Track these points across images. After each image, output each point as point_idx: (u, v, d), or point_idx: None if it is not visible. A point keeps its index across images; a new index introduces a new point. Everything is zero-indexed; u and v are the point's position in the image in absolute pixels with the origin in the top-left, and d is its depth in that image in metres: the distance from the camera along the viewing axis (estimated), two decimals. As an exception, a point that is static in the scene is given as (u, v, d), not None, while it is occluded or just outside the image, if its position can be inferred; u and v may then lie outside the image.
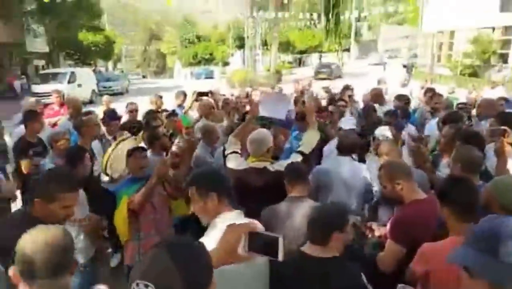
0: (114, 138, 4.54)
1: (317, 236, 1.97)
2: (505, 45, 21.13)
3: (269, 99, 4.12)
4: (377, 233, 2.60)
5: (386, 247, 2.42)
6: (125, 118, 5.97)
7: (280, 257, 1.15)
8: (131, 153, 3.27)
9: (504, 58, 20.72)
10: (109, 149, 3.92)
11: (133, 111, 6.20)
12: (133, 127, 4.73)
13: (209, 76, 38.33)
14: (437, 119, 4.85)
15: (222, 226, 1.81)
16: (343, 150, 3.48)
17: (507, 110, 4.57)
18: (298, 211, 2.55)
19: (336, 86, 9.89)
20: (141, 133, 4.37)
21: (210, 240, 1.73)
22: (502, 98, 5.75)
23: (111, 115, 5.23)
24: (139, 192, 2.98)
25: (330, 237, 1.95)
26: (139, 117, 5.95)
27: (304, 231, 2.30)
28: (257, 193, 2.95)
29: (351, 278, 1.91)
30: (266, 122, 4.01)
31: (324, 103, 6.72)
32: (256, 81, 25.61)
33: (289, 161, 3.07)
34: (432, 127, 4.77)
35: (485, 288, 0.98)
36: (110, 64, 51.41)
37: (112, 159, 3.79)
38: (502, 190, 2.28)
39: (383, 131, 3.90)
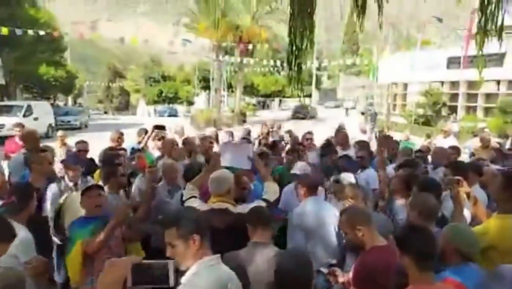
0: (75, 185, 4.12)
1: None
2: (453, 98, 22.84)
3: (230, 148, 4.11)
4: (340, 280, 2.57)
5: (349, 295, 2.40)
6: None
7: (171, 282, 1.11)
8: (85, 191, 3.13)
9: (452, 109, 22.32)
10: (61, 200, 3.68)
11: (81, 151, 5.73)
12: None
13: (173, 114, 38.29)
14: (394, 165, 5.06)
15: (204, 272, 1.75)
16: (308, 190, 3.50)
17: (459, 160, 4.85)
18: (261, 258, 2.49)
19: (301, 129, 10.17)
20: (98, 171, 4.20)
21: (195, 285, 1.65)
22: (453, 147, 6.09)
23: (73, 158, 4.70)
24: (99, 235, 2.80)
25: None
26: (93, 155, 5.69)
27: (267, 278, 2.23)
28: (218, 235, 2.86)
29: None
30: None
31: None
32: (221, 121, 25.84)
33: (252, 205, 3.03)
34: (390, 171, 4.94)
35: None
36: (70, 99, 50.17)
37: (65, 209, 3.56)
38: (459, 237, 2.36)
39: (348, 178, 3.98)
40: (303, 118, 33.07)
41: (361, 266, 2.43)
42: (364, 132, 9.69)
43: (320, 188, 3.91)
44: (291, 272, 1.82)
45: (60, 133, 7.16)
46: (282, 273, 1.84)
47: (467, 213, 3.32)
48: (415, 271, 2.03)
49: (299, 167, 4.58)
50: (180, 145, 6.11)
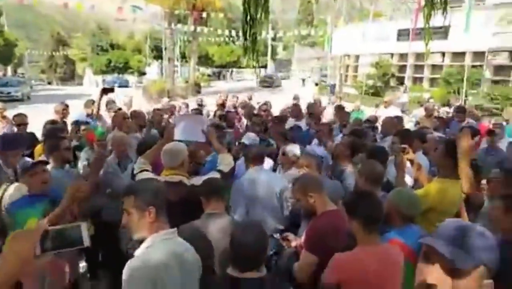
0: (15, 173, 3.60)
1: (250, 262, 1.87)
2: (401, 70, 23.74)
3: (184, 121, 4.01)
4: (293, 244, 2.66)
5: (301, 257, 2.49)
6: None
7: (86, 243, 1.12)
8: (29, 168, 2.91)
9: (400, 80, 23.24)
10: None
11: (20, 125, 5.31)
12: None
13: (124, 84, 36.71)
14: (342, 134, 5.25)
15: (159, 245, 1.73)
16: (253, 160, 3.54)
17: (405, 128, 5.10)
18: (215, 227, 2.50)
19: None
20: (39, 146, 3.93)
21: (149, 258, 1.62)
22: (396, 116, 6.38)
23: (9, 142, 3.80)
24: (52, 214, 2.55)
25: (262, 260, 1.91)
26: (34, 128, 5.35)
27: (222, 246, 2.26)
28: (172, 208, 2.84)
29: None
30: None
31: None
32: (174, 92, 25.16)
33: (206, 177, 3.02)
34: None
35: (440, 271, 1.08)
36: (9, 69, 46.46)
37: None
38: (402, 201, 2.51)
39: (294, 149, 4.06)
40: (269, 87, 34.59)
41: (312, 230, 2.52)
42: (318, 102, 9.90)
43: (268, 159, 3.98)
44: (246, 240, 1.84)
45: None
46: (237, 241, 1.86)
47: (409, 178, 3.54)
48: (363, 234, 2.14)
49: (247, 137, 4.62)
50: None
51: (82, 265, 4.09)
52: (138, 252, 1.78)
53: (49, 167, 3.24)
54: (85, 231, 1.13)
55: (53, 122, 5.21)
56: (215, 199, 2.65)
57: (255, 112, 7.14)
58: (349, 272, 2.07)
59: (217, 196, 2.67)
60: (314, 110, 7.13)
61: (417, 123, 7.56)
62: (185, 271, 1.80)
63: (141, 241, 1.82)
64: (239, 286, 1.81)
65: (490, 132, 5.31)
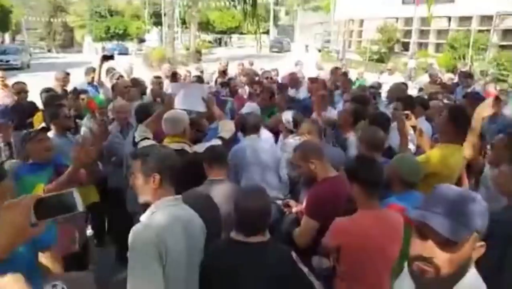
0: (9, 146, 3.59)
1: (255, 227, 1.88)
2: (406, 35, 23.20)
3: (184, 90, 3.96)
4: (294, 210, 2.71)
5: (302, 223, 2.53)
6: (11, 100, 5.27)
7: (80, 208, 1.15)
8: (32, 136, 2.88)
9: (405, 46, 22.76)
10: None
11: (20, 92, 5.25)
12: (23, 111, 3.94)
13: (123, 52, 36.12)
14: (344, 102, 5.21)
15: (163, 212, 1.77)
16: (248, 130, 3.55)
17: (408, 94, 5.04)
18: (218, 193, 2.54)
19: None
20: (37, 114, 3.90)
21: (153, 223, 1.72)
22: (403, 83, 6.30)
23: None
24: (57, 181, 2.55)
25: (266, 224, 1.93)
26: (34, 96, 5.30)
27: (225, 212, 2.30)
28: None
29: (285, 258, 1.90)
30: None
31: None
32: (175, 59, 24.79)
33: (208, 144, 3.03)
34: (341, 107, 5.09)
35: (434, 244, 1.08)
36: (7, 37, 45.62)
37: None
38: (403, 167, 2.52)
39: (287, 116, 4.04)
40: (278, 52, 35.60)
41: (313, 196, 2.55)
42: (320, 69, 9.74)
43: (265, 130, 3.97)
44: (251, 204, 1.87)
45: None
46: (242, 206, 1.88)
47: (412, 145, 3.54)
48: (363, 198, 2.16)
49: (247, 107, 4.59)
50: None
51: (89, 232, 4.19)
52: (142, 218, 1.82)
53: (50, 135, 3.25)
54: (78, 196, 1.14)
55: (49, 90, 5.17)
56: (217, 165, 2.67)
57: (258, 79, 7.03)
58: (349, 237, 2.11)
59: (219, 163, 2.69)
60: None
61: (421, 89, 7.48)
62: (190, 236, 1.83)
63: (146, 206, 1.85)
64: (244, 250, 1.85)
65: (496, 99, 5.25)
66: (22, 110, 4.84)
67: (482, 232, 1.11)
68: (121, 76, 6.36)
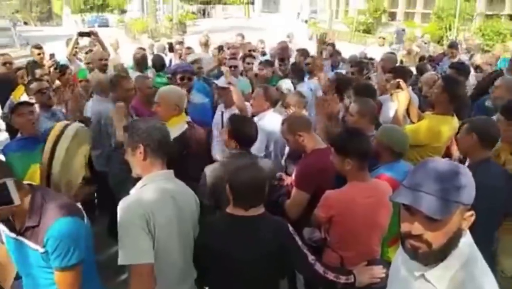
0: None
1: (254, 200, 1.88)
2: (393, 4, 22.94)
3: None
4: (285, 183, 2.71)
5: (292, 195, 2.54)
6: None
7: (16, 200, 1.09)
8: (15, 107, 2.85)
9: (393, 16, 22.55)
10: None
11: (6, 64, 5.24)
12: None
13: (104, 24, 34.99)
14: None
15: (150, 186, 1.75)
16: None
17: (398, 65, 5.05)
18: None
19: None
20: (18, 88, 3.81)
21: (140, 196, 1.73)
22: (391, 52, 6.26)
23: None
24: None
25: (263, 198, 1.91)
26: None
27: None
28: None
29: (282, 230, 1.90)
30: None
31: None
32: (158, 31, 24.14)
33: None
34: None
35: (422, 220, 1.10)
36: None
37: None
38: (392, 137, 2.53)
39: (287, 84, 4.00)
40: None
41: (302, 168, 2.55)
42: (311, 39, 9.64)
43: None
44: (248, 179, 1.85)
45: None
46: (239, 181, 1.86)
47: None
48: (353, 171, 2.17)
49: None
50: (112, 57, 5.71)
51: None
52: (132, 190, 1.80)
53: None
54: (12, 188, 1.05)
55: (34, 62, 5.04)
56: None
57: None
58: (340, 208, 2.13)
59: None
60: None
61: (401, 61, 7.47)
62: (179, 208, 1.82)
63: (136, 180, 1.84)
64: (244, 224, 1.85)
65: (477, 68, 5.32)
66: (9, 82, 4.71)
67: (470, 203, 1.12)
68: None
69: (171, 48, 6.78)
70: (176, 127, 2.84)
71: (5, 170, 1.41)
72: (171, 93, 3.04)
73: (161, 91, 3.06)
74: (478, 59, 6.44)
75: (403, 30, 16.06)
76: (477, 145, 2.34)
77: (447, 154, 3.38)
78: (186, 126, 2.99)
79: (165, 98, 2.96)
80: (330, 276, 1.83)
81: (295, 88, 4.22)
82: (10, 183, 1.06)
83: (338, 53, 7.12)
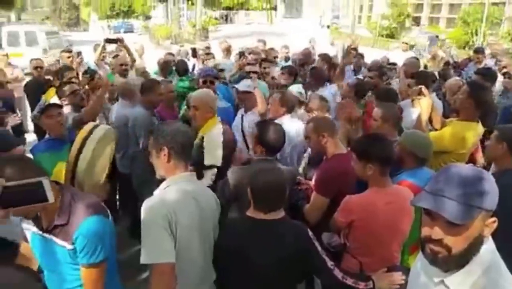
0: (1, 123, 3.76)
1: (274, 203, 1.88)
2: (418, 9, 22.62)
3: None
4: (304, 187, 2.71)
5: (311, 199, 2.53)
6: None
7: (50, 199, 1.11)
8: (45, 110, 2.94)
9: (417, 21, 22.22)
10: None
11: (37, 68, 5.56)
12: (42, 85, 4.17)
13: (129, 30, 35.84)
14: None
15: (173, 188, 1.79)
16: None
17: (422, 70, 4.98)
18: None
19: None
20: (49, 91, 3.96)
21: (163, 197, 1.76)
22: (416, 58, 6.18)
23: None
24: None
25: (283, 201, 1.91)
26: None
27: None
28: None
29: (302, 235, 1.90)
30: None
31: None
32: (181, 37, 24.54)
33: None
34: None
35: (443, 225, 1.09)
36: (13, 15, 45.35)
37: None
38: (415, 143, 2.50)
39: (298, 88, 4.00)
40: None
41: (322, 172, 2.54)
42: (333, 44, 9.61)
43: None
44: (269, 182, 1.86)
45: (2, 51, 6.66)
46: (260, 185, 1.87)
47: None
48: (375, 176, 2.15)
49: (242, 83, 4.54)
50: (138, 62, 5.87)
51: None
52: (155, 192, 1.85)
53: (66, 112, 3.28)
54: (47, 186, 1.09)
55: (64, 66, 5.25)
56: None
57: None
58: (361, 213, 2.12)
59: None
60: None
61: (425, 66, 7.36)
62: (201, 209, 1.85)
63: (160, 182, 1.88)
64: (264, 227, 1.85)
65: (505, 75, 5.18)
66: (40, 85, 4.94)
67: (493, 209, 1.10)
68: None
69: (194, 54, 6.92)
70: (214, 129, 2.93)
71: (40, 170, 1.47)
72: (207, 96, 3.11)
73: (196, 94, 3.14)
74: (506, 64, 6.27)
75: (437, 36, 15.89)
76: (506, 154, 2.35)
77: (471, 161, 3.31)
78: (221, 127, 3.03)
79: (201, 101, 3.03)
80: (349, 281, 1.82)
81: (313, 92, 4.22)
82: (46, 182, 1.11)
83: (361, 56, 7.07)
